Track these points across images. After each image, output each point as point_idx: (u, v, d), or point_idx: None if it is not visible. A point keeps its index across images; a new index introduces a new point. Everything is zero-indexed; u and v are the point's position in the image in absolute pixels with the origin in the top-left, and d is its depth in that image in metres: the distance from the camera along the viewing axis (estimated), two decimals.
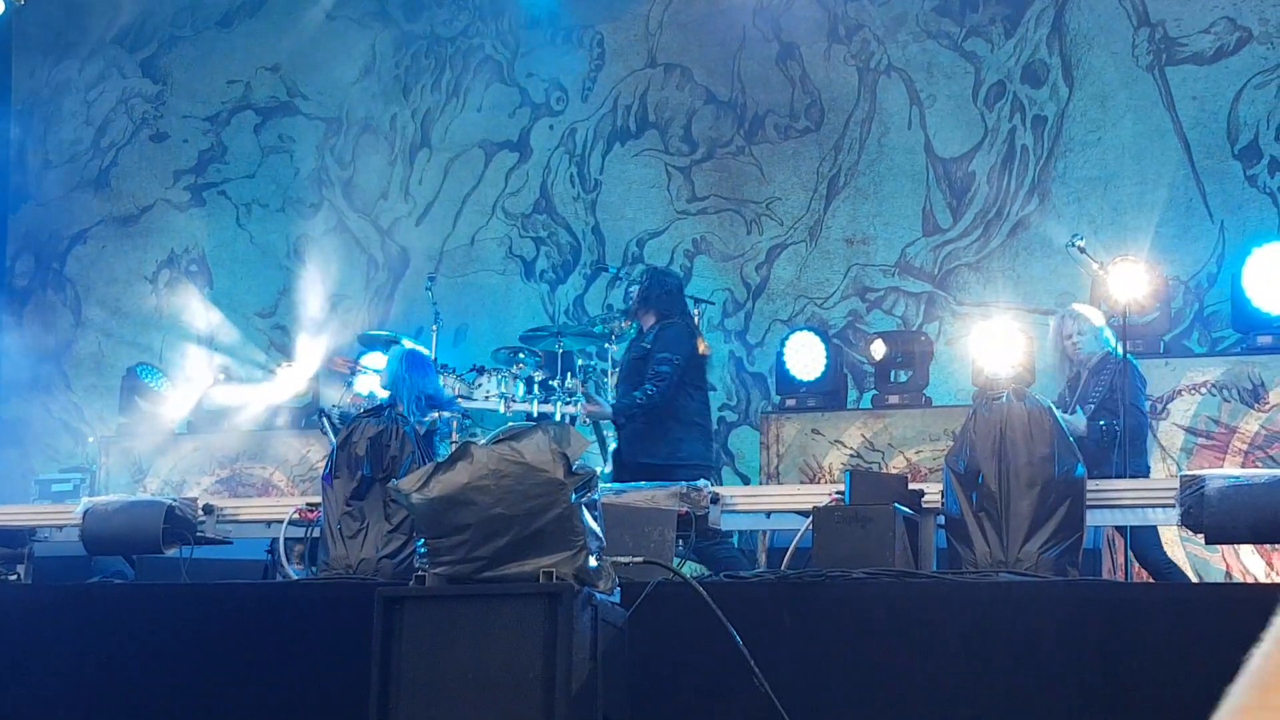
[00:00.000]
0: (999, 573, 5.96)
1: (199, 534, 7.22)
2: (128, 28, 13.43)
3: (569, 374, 9.45)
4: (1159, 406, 8.69)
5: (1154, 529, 7.48)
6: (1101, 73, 10.93)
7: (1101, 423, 7.35)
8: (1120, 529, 7.21)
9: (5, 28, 13.28)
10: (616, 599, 5.41)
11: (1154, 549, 7.56)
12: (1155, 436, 8.53)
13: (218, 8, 13.21)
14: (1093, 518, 6.46)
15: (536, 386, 9.34)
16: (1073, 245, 8.19)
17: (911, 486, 6.58)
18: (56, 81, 13.59)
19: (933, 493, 6.57)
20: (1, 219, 13.50)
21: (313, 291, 12.47)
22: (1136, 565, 7.47)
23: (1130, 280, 8.00)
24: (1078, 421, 7.26)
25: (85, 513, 7.20)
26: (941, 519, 6.44)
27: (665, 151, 11.92)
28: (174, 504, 7.18)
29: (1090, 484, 6.36)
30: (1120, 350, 7.68)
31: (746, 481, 11.04)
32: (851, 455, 9.56)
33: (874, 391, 10.13)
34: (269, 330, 12.60)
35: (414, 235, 12.51)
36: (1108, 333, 7.91)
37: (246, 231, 12.94)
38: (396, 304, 12.43)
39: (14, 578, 7.06)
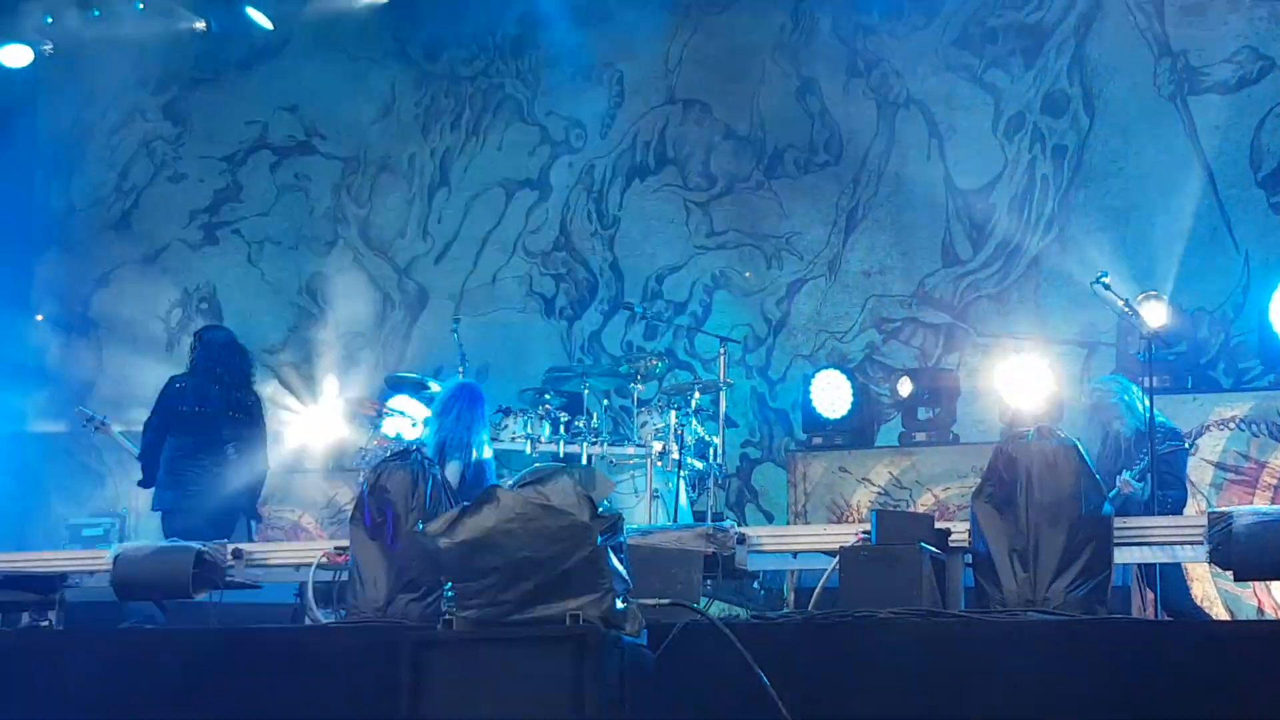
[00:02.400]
0: (1027, 611, 5.94)
1: (228, 578, 7.24)
2: (150, 73, 13.54)
3: (593, 414, 9.47)
4: (1188, 442, 8.68)
5: (1181, 576, 7.48)
6: (1123, 103, 10.94)
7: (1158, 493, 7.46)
8: (1149, 567, 7.20)
9: (32, 75, 13.40)
10: (643, 641, 5.41)
11: (1182, 598, 7.55)
12: (1186, 473, 8.51)
13: (239, 50, 13.32)
14: (1120, 555, 6.44)
15: (562, 427, 9.36)
16: (1098, 283, 8.21)
17: (938, 525, 6.56)
18: (82, 127, 13.71)
19: (960, 531, 6.55)
20: (28, 264, 13.60)
21: (325, 329, 12.53)
22: None
23: (1156, 317, 8.01)
24: (1139, 493, 7.41)
25: (116, 558, 7.23)
26: (969, 557, 6.43)
27: (684, 187, 11.95)
28: (203, 549, 7.20)
29: (1117, 520, 6.34)
30: (1147, 405, 7.74)
31: (770, 518, 11.04)
32: (879, 493, 9.55)
33: (901, 429, 10.13)
34: (278, 367, 12.65)
35: (433, 274, 12.57)
36: (1140, 404, 7.96)
37: (258, 269, 13.01)
38: (414, 343, 12.47)
39: (45, 623, 7.08)
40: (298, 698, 6.17)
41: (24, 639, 6.95)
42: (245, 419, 8.91)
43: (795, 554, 7.19)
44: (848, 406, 10.07)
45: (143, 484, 8.92)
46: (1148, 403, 7.85)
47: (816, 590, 6.69)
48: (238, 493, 8.72)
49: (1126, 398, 8.11)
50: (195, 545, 7.30)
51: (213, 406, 8.81)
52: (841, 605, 6.07)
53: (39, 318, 13.31)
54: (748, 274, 11.60)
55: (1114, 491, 7.29)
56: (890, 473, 9.64)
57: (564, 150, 12.36)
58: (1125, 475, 7.68)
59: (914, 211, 11.37)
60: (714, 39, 12.02)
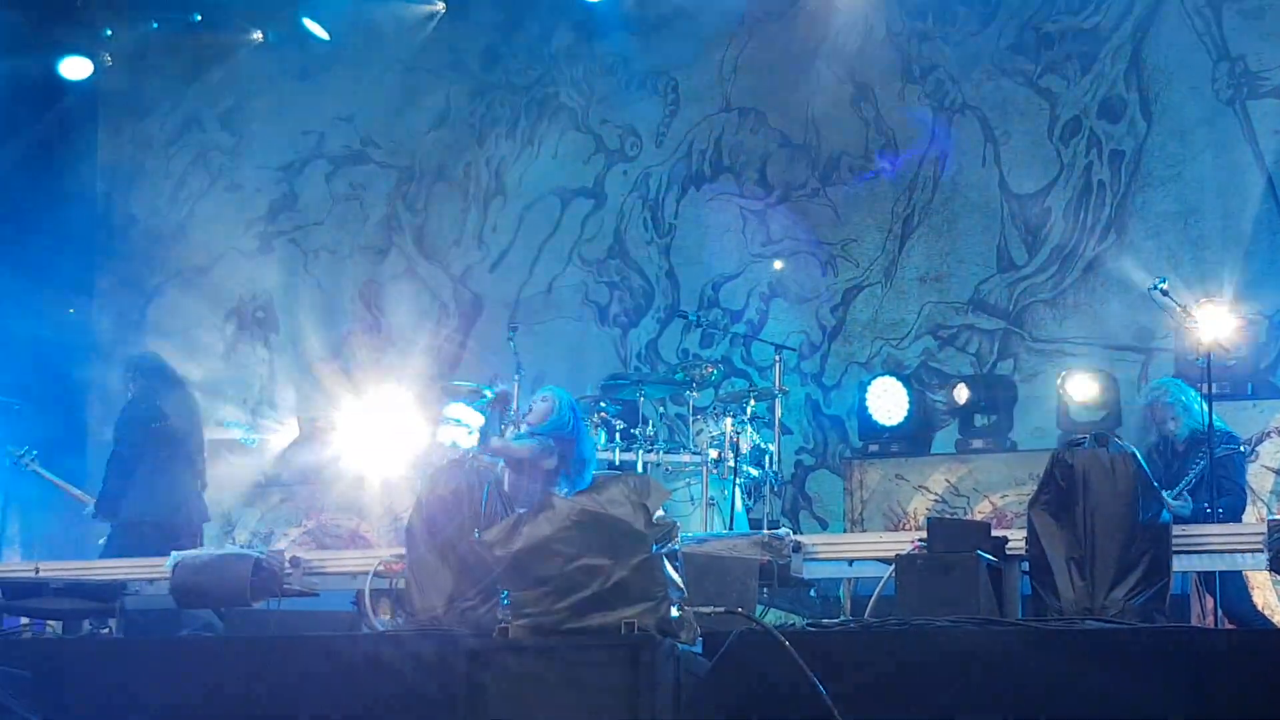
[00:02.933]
0: (1084, 620, 5.90)
1: (286, 586, 7.29)
2: (207, 84, 13.66)
3: (649, 422, 9.47)
4: (1248, 449, 8.60)
5: (1241, 583, 7.41)
6: (1180, 107, 10.86)
7: (1205, 506, 7.37)
8: (1208, 574, 7.14)
9: (91, 88, 13.54)
10: (699, 649, 5.42)
11: (1242, 601, 7.48)
12: (1244, 478, 8.43)
13: (295, 61, 13.40)
14: (1179, 563, 6.40)
15: (618, 435, 9.36)
16: (1156, 289, 8.16)
17: (995, 533, 6.54)
18: (140, 138, 13.84)
19: (1017, 539, 6.52)
20: (89, 274, 13.74)
21: (380, 337, 12.60)
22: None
23: (1215, 323, 7.94)
24: (1183, 509, 7.33)
25: (175, 566, 7.29)
26: (1026, 565, 6.40)
27: (740, 195, 11.95)
28: (262, 557, 7.25)
29: (1176, 528, 6.30)
30: (1205, 409, 7.67)
31: (824, 525, 11.01)
32: (936, 500, 9.52)
33: (957, 436, 10.08)
34: (332, 375, 12.72)
35: (488, 282, 12.61)
36: (1199, 407, 7.90)
37: (313, 277, 13.09)
38: (469, 351, 12.50)
39: (106, 631, 7.15)
40: (355, 705, 6.21)
41: (85, 647, 7.01)
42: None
43: (851, 562, 7.18)
44: (904, 413, 10.04)
45: (100, 514, 9.14)
46: (1206, 408, 7.78)
47: (873, 598, 6.68)
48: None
49: (1184, 399, 8.04)
50: (253, 553, 7.36)
51: (175, 423, 9.15)
52: (898, 613, 6.07)
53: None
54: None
55: None
56: (947, 480, 9.60)
57: (619, 159, 12.37)
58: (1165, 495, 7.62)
59: (969, 217, 11.32)
60: (769, 46, 12.01)
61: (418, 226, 12.90)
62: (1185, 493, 7.58)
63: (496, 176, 12.74)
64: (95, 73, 13.22)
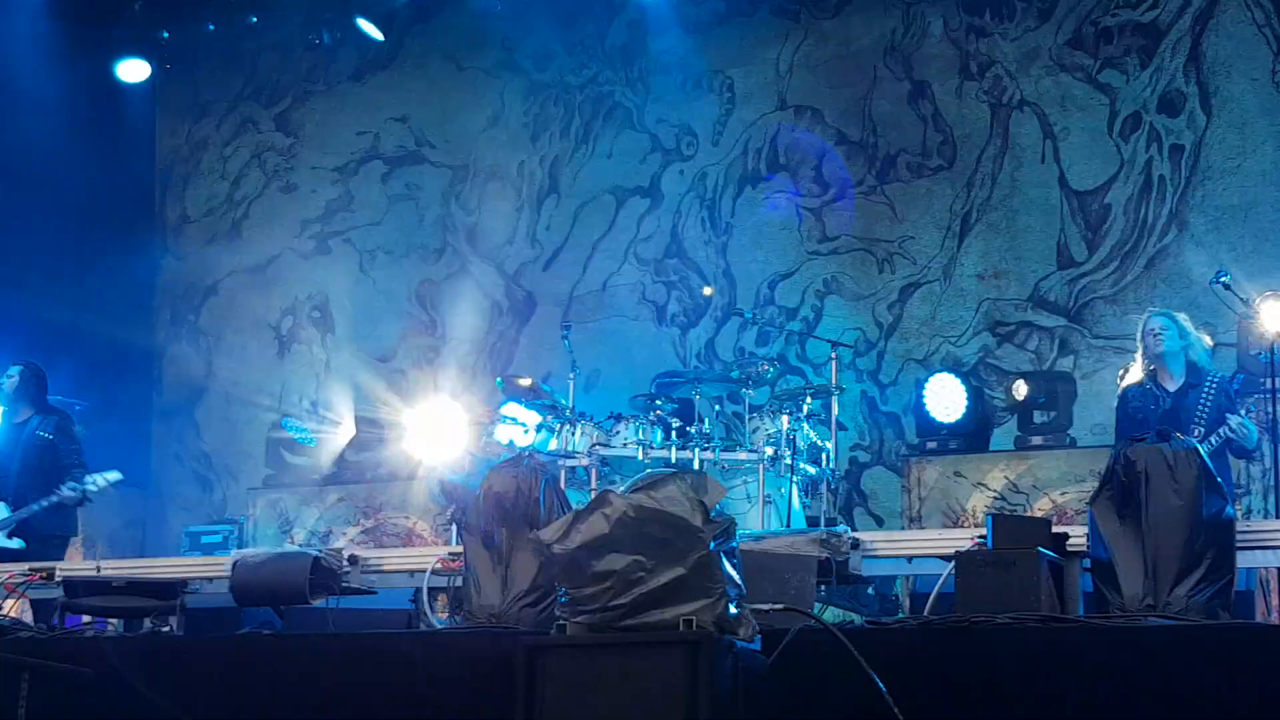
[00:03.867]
0: (1147, 616, 5.84)
1: (345, 584, 7.30)
2: (263, 85, 13.75)
3: (705, 420, 9.46)
4: None
5: None
6: (1240, 99, 10.77)
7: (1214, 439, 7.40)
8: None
9: (148, 90, 13.65)
10: (757, 646, 5.38)
11: None
12: None
13: (350, 62, 13.48)
14: (1244, 559, 6.32)
15: (673, 433, 9.35)
16: (1217, 283, 8.09)
17: (1056, 529, 6.47)
18: (196, 139, 13.95)
19: (1078, 536, 6.46)
20: (148, 273, 13.85)
21: (435, 336, 12.64)
22: None
23: (1278, 316, 7.87)
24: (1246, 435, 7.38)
25: (234, 564, 7.33)
26: (1087, 562, 6.33)
27: (796, 193, 11.92)
28: (320, 555, 7.27)
29: (1241, 524, 6.22)
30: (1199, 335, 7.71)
31: (880, 522, 10.98)
32: (995, 498, 9.46)
33: (1016, 433, 10.02)
34: (389, 374, 12.79)
35: (541, 280, 12.63)
36: (1193, 334, 7.89)
37: (370, 277, 13.15)
38: (522, 349, 12.53)
39: (166, 629, 7.19)
40: (413, 702, 6.21)
41: (146, 644, 7.05)
42: None
43: (910, 559, 7.13)
44: (962, 410, 9.99)
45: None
46: (1202, 338, 7.79)
47: (932, 595, 6.63)
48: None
49: (1173, 320, 8.04)
50: (312, 551, 7.38)
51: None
52: (958, 610, 6.01)
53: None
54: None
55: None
56: (1006, 477, 9.55)
57: (675, 158, 12.37)
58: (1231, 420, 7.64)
59: (1029, 214, 11.26)
60: (825, 44, 11.99)
61: (471, 226, 12.93)
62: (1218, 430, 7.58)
63: (550, 175, 12.76)
64: (152, 75, 13.33)
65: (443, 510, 10.34)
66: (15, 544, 9.06)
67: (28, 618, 7.88)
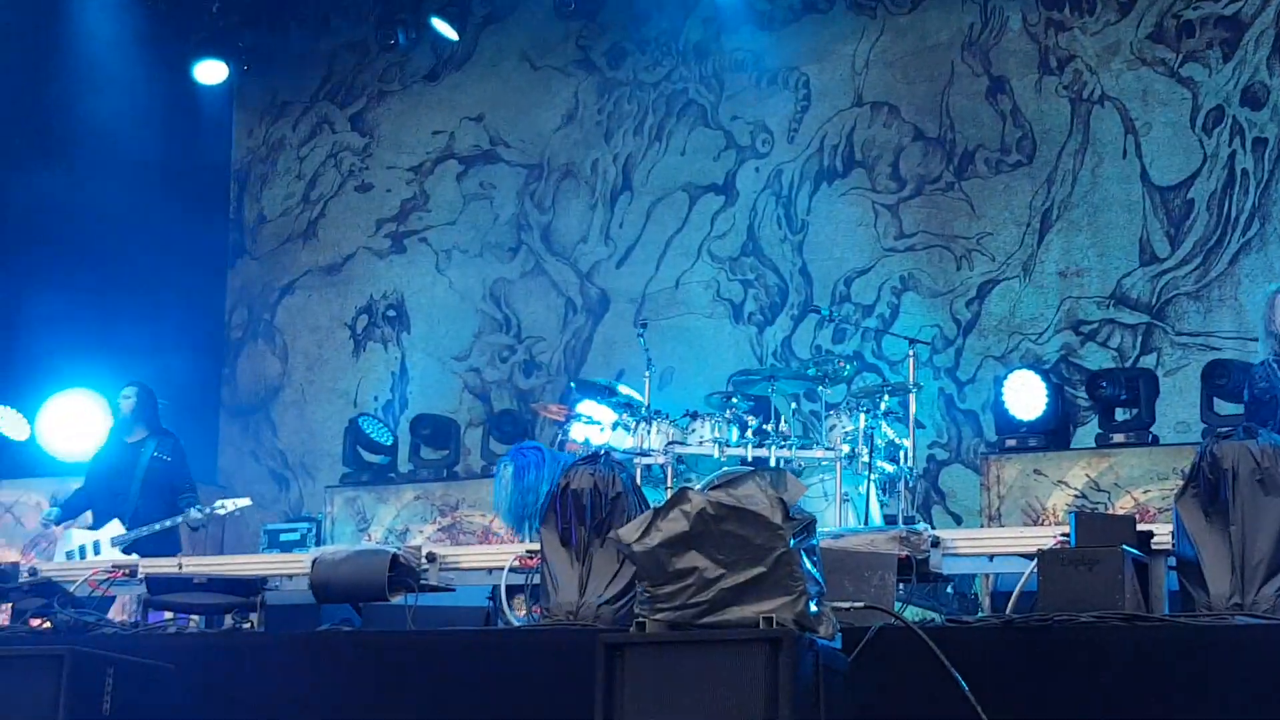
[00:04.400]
0: (1234, 615, 5.75)
1: (423, 582, 7.32)
2: (339, 85, 13.84)
3: (782, 418, 9.42)
4: None
5: None
6: None
7: None
8: None
9: (226, 91, 13.77)
10: (838, 645, 5.35)
11: None
12: None
13: (425, 62, 13.54)
14: None
15: (750, 431, 9.31)
16: None
17: (1140, 527, 6.38)
18: (272, 140, 14.06)
19: (1162, 534, 6.37)
20: (221, 274, 13.99)
21: (509, 335, 12.67)
22: None
23: None
24: None
25: (314, 562, 7.36)
26: (1172, 560, 6.25)
27: (872, 190, 11.86)
28: (399, 552, 7.29)
29: None
30: None
31: (958, 520, 10.90)
32: (1076, 496, 9.37)
33: (1098, 430, 9.92)
34: (464, 373, 12.83)
35: (614, 278, 12.63)
36: None
37: (445, 277, 13.20)
38: (596, 347, 12.55)
39: (248, 625, 7.23)
40: (492, 699, 6.22)
41: (228, 641, 7.10)
42: None
43: (991, 557, 7.07)
44: (1042, 408, 9.89)
45: None
46: None
47: (1014, 593, 6.57)
48: None
49: None
50: (390, 549, 7.40)
51: None
52: (1040, 609, 5.94)
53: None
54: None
55: None
56: (1087, 475, 9.45)
57: (750, 155, 12.33)
58: None
59: (1110, 210, 11.15)
60: (902, 40, 11.92)
61: (546, 224, 12.96)
62: None
63: (624, 173, 12.76)
64: (230, 76, 13.45)
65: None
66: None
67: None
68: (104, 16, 12.59)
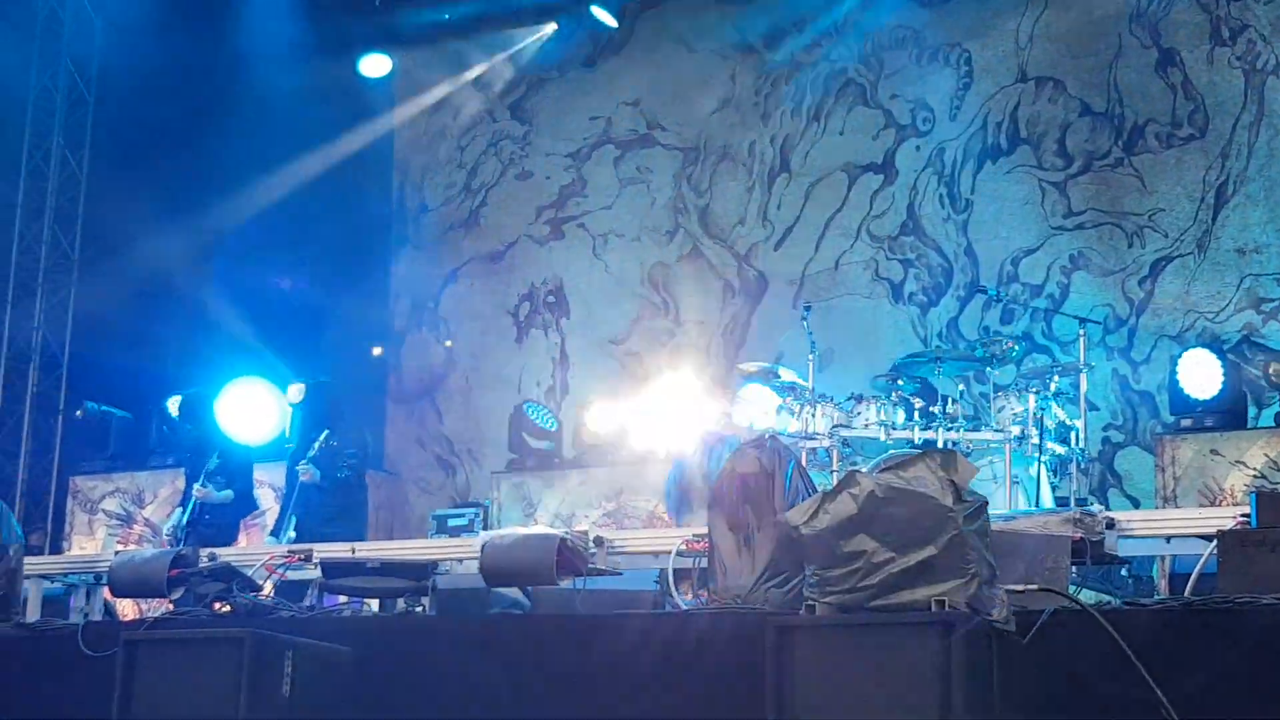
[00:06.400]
0: None
1: (591, 566, 7.36)
2: (499, 74, 13.96)
3: (949, 400, 9.31)
4: None
5: None
6: None
7: None
8: None
9: (389, 83, 13.97)
10: (1011, 627, 5.28)
11: None
12: None
13: (582, 49, 13.61)
14: None
15: (917, 413, 9.22)
16: None
17: None
18: (434, 131, 14.21)
19: None
20: (386, 262, 14.19)
21: (668, 318, 12.68)
22: None
23: None
24: None
25: (484, 546, 7.43)
26: None
27: (1039, 167, 11.66)
28: (566, 537, 7.34)
29: None
30: None
31: (1136, 504, 10.68)
32: (1255, 476, 9.14)
33: (1277, 409, 9.66)
34: (622, 357, 12.87)
35: (772, 260, 12.59)
36: None
37: (602, 261, 13.25)
38: (755, 330, 12.51)
39: (420, 609, 7.33)
40: (661, 682, 6.23)
41: (401, 623, 7.21)
42: None
43: (1169, 538, 6.91)
44: (1218, 387, 9.65)
45: None
46: None
47: (1193, 575, 6.42)
48: None
49: None
50: (558, 533, 7.45)
51: None
52: (1220, 591, 5.80)
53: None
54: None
55: None
56: (1266, 454, 9.20)
57: (910, 133, 12.20)
58: None
59: None
60: (1067, 13, 11.70)
61: (703, 207, 12.95)
62: None
63: (781, 154, 12.70)
64: (393, 69, 13.63)
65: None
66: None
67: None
68: (270, 15, 12.82)
